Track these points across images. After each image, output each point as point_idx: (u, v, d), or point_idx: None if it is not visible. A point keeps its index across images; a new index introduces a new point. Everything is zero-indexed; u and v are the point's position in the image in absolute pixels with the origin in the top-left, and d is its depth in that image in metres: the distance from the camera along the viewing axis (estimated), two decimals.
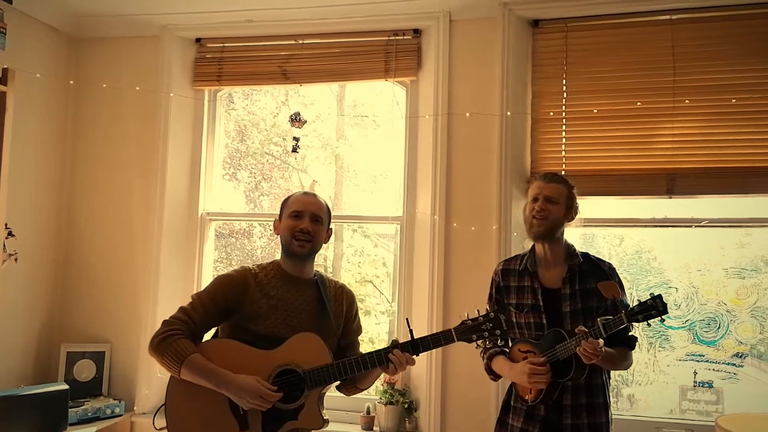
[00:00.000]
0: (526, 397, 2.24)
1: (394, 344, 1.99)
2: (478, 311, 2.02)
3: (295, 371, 1.97)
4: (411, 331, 2.02)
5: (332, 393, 2.19)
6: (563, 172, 2.98)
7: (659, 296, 2.07)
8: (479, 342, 2.04)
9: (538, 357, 2.18)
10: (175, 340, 1.93)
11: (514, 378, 2.29)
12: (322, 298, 2.10)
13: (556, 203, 2.28)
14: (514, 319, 2.32)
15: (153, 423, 2.07)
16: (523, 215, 2.41)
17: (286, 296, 2.05)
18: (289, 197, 2.17)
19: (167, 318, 2.01)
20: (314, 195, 2.17)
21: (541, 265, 2.33)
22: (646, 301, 2.07)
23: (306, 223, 2.06)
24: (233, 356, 1.96)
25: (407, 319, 2.16)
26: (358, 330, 2.24)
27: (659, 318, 2.06)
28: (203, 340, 2.05)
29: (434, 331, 2.10)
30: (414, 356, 1.99)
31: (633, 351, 2.28)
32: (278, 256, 2.16)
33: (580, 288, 2.25)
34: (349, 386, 2.16)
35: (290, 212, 2.10)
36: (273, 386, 1.93)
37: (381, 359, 1.98)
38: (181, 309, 2.03)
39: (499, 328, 1.99)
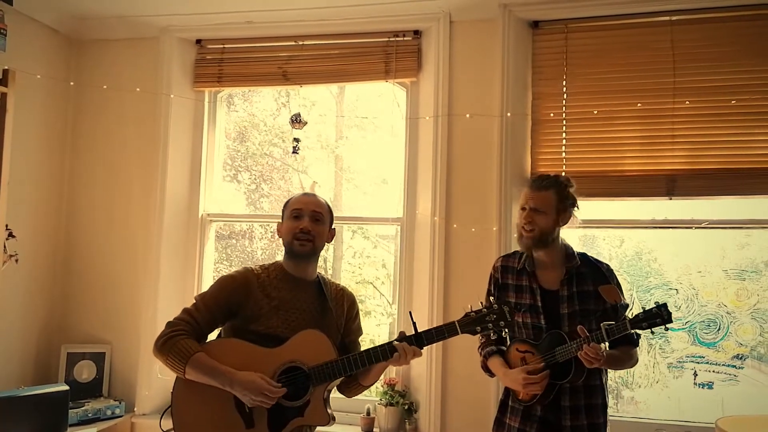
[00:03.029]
0: (521, 398, 2.24)
1: (401, 337, 1.99)
2: (481, 303, 2.01)
3: (300, 368, 1.97)
4: (414, 324, 2.01)
5: (333, 394, 2.19)
6: (563, 174, 2.98)
7: (665, 305, 2.05)
8: (483, 334, 2.02)
9: (535, 363, 2.17)
10: (179, 340, 1.94)
11: (508, 384, 2.28)
12: (323, 299, 2.11)
13: (543, 213, 2.23)
14: None
15: (159, 425, 2.08)
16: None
17: (288, 297, 2.06)
18: (289, 199, 2.18)
19: (171, 319, 2.02)
20: (314, 195, 2.18)
21: (539, 266, 2.32)
22: (651, 309, 2.06)
23: (306, 222, 2.07)
24: (238, 355, 1.97)
25: (410, 312, 2.14)
26: (359, 331, 2.24)
27: (663, 327, 2.05)
28: (207, 341, 2.06)
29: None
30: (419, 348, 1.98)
31: (636, 348, 2.27)
32: (280, 257, 2.17)
33: (578, 290, 2.25)
34: (352, 384, 2.14)
35: (290, 213, 2.11)
36: (277, 383, 1.93)
37: (386, 353, 1.97)
38: (185, 310, 2.03)
39: (503, 320, 1.97)
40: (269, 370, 1.96)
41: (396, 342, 1.97)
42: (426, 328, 2.02)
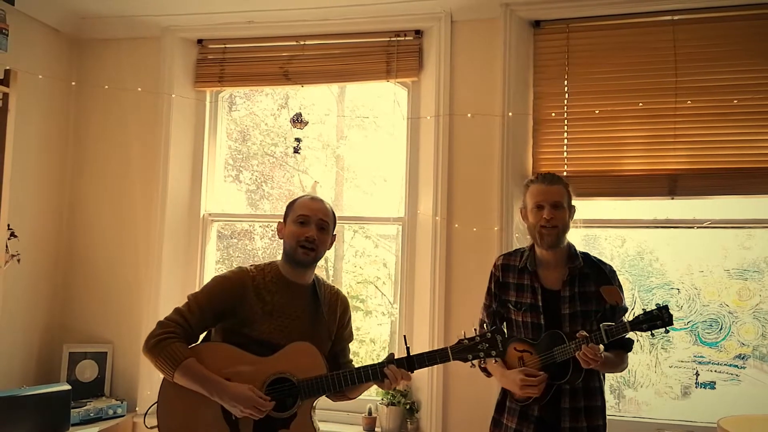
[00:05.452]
0: (517, 397, 2.23)
1: (390, 359, 1.99)
2: (475, 330, 2.01)
3: (290, 380, 1.97)
4: (408, 348, 2.01)
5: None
6: (565, 173, 2.98)
7: (665, 307, 2.04)
8: (474, 361, 2.02)
9: (533, 363, 2.16)
10: (170, 343, 1.93)
11: (505, 385, 2.28)
12: (317, 304, 2.10)
13: (562, 208, 2.24)
14: (512, 317, 2.31)
15: (144, 422, 2.07)
16: (523, 221, 2.37)
17: (281, 302, 2.04)
18: (295, 201, 2.13)
19: (162, 319, 2.01)
20: (321, 201, 2.13)
21: (541, 265, 2.31)
22: (651, 311, 2.05)
23: (312, 231, 2.04)
24: (228, 361, 1.96)
25: (405, 336, 2.11)
26: (350, 337, 2.24)
27: (664, 329, 2.04)
28: (198, 342, 2.05)
29: (433, 344, 2.09)
30: (409, 372, 1.98)
31: (629, 353, 2.27)
32: (279, 257, 2.15)
33: (579, 291, 2.24)
34: (338, 394, 2.14)
35: (296, 217, 2.06)
36: (267, 396, 1.92)
37: (376, 373, 1.98)
38: (177, 310, 2.01)
39: (495, 349, 1.97)
40: (258, 379, 1.95)
41: (387, 365, 1.97)
42: (418, 352, 2.01)
